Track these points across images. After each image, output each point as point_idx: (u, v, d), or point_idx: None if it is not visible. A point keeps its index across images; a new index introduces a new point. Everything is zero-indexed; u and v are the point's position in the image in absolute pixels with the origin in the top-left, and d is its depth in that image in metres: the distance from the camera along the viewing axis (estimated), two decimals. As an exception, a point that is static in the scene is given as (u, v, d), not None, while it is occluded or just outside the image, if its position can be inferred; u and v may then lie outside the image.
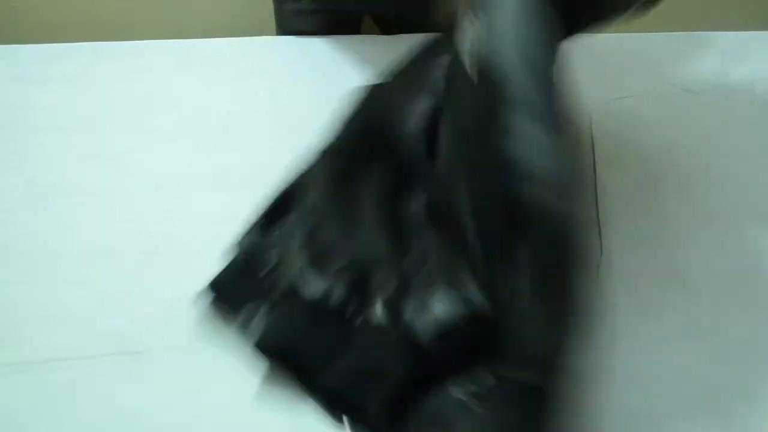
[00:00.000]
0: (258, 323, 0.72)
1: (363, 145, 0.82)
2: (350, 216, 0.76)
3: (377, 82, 0.86)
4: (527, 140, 0.56)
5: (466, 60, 0.61)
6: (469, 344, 0.64)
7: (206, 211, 0.87)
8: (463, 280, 0.64)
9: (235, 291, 0.75)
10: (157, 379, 0.72)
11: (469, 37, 0.62)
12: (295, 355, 0.70)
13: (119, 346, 0.74)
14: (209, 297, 0.76)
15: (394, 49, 1.04)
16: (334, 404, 0.68)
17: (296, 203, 0.81)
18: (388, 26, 1.27)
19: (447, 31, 0.76)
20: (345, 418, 0.67)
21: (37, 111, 1.05)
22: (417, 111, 0.78)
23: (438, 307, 0.66)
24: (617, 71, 1.09)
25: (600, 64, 1.00)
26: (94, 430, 0.66)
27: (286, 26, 1.27)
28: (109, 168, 0.96)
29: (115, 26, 1.33)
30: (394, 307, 0.68)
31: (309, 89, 1.04)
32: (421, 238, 0.72)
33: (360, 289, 0.70)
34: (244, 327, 0.72)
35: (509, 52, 0.57)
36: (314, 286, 0.71)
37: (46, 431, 0.67)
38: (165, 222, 0.86)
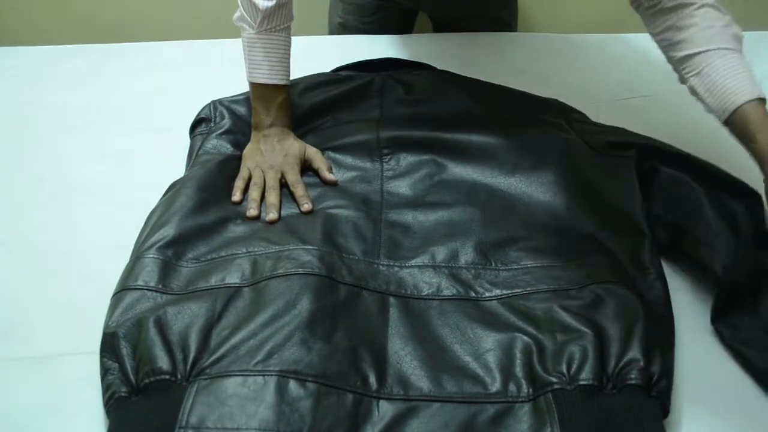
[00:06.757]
0: None
1: None
2: None
3: None
4: None
5: None
6: None
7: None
8: None
9: None
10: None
11: None
12: None
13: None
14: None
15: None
16: None
17: None
18: (441, 24, 1.27)
19: None
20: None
21: (48, 110, 1.06)
22: None
23: None
24: (626, 71, 1.09)
25: (608, 64, 1.00)
26: (104, 423, 0.67)
27: (338, 22, 1.25)
28: (118, 166, 0.97)
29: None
30: None
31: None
32: None
33: None
34: None
35: None
36: None
37: (56, 424, 0.68)
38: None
